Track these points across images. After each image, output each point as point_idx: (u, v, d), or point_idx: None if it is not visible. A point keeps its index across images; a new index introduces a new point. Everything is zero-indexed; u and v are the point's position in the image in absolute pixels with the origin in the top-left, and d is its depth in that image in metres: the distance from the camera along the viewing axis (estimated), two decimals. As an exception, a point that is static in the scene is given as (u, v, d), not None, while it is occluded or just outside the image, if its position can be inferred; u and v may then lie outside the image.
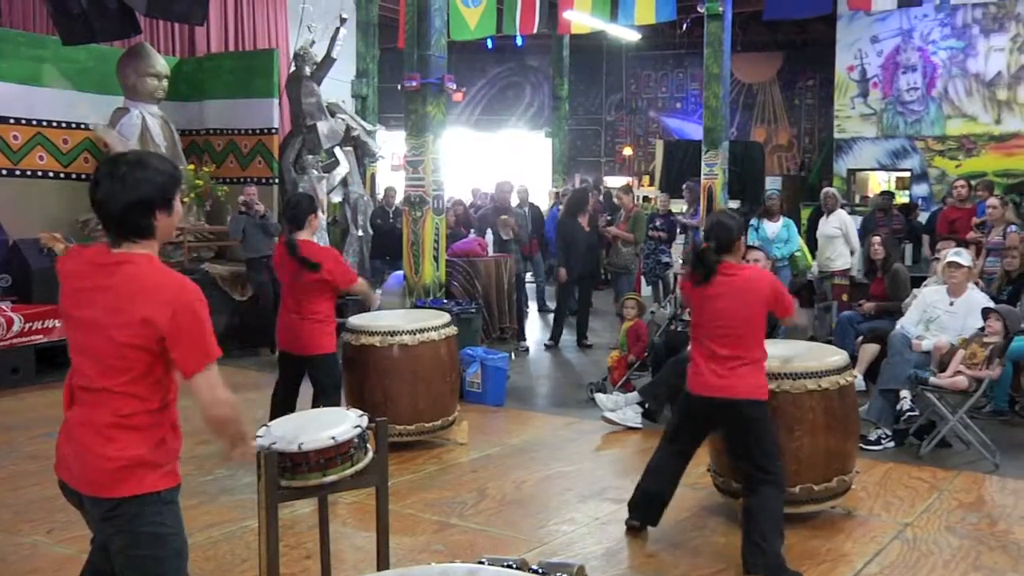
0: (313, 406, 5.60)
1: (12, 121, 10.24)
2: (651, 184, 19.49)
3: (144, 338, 2.63)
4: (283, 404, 5.94)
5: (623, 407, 7.17)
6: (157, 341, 2.64)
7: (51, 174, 10.60)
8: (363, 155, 12.95)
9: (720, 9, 11.87)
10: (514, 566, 3.76)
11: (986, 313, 6.44)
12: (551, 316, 11.30)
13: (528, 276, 12.73)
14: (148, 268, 2.70)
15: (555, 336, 10.61)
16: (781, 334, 4.85)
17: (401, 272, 8.66)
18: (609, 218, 12.22)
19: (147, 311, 2.62)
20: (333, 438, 3.41)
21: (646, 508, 4.91)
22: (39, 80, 10.47)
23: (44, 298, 8.83)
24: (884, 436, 6.52)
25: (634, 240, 11.05)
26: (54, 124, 10.63)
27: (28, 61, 10.41)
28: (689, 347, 4.82)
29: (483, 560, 3.96)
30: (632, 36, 16.76)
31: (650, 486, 4.87)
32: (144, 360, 2.66)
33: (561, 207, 11.99)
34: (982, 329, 6.40)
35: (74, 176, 10.70)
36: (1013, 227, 8.90)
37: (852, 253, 10.28)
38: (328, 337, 5.92)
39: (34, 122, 10.44)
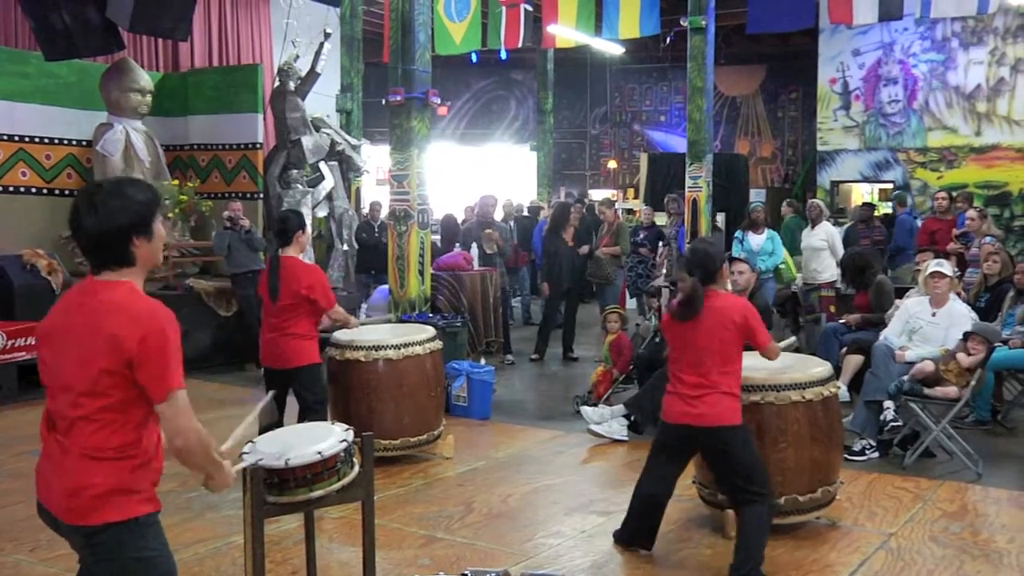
0: (299, 422, 5.58)
1: (-6, 137, 10.24)
2: (636, 197, 19.56)
3: (113, 360, 2.58)
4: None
5: (609, 419, 7.18)
6: (125, 364, 2.59)
7: (33, 190, 10.56)
8: (348, 169, 12.95)
9: (703, 23, 11.92)
10: (499, 577, 3.78)
11: (966, 337, 6.41)
12: (536, 329, 11.30)
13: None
14: (123, 292, 2.66)
15: (540, 350, 10.62)
16: None
17: (386, 287, 8.66)
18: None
19: (116, 328, 2.58)
20: (319, 453, 3.41)
21: (647, 532, 4.87)
22: (22, 96, 10.44)
23: (26, 315, 8.76)
24: (868, 446, 6.55)
25: (621, 252, 11.10)
26: (36, 140, 10.60)
27: (10, 77, 10.38)
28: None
29: (467, 572, 3.98)
30: (616, 50, 16.83)
31: (643, 507, 4.83)
32: (117, 387, 2.61)
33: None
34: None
35: (57, 192, 10.67)
36: (988, 239, 8.99)
37: (839, 265, 10.32)
38: (311, 350, 5.91)
39: (16, 138, 10.41)
